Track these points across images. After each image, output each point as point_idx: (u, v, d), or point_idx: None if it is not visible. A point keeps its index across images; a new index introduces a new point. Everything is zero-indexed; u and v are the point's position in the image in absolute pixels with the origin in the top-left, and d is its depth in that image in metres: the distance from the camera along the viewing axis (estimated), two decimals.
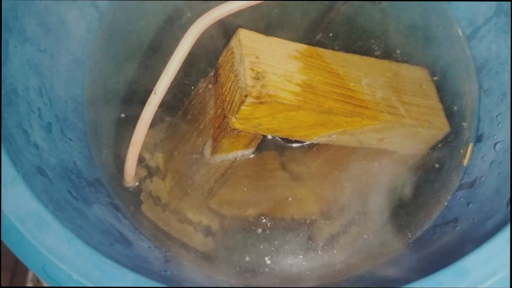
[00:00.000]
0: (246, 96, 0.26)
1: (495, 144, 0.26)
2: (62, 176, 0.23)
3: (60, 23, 0.28)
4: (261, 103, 0.27)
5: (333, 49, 0.31)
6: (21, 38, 0.24)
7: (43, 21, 0.26)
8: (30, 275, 0.42)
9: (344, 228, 0.32)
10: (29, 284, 0.41)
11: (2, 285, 0.38)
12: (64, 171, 0.24)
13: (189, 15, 0.32)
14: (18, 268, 0.42)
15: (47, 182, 0.21)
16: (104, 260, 0.17)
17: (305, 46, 0.30)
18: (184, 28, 0.28)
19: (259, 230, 0.31)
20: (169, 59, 0.28)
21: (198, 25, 0.26)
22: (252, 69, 0.27)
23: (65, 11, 0.28)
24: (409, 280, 0.19)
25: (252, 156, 0.31)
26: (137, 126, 0.26)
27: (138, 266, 0.18)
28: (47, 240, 0.18)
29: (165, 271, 0.23)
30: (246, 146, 0.30)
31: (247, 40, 0.29)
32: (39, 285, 0.41)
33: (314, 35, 0.34)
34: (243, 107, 0.27)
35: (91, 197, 0.25)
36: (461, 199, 0.26)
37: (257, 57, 0.28)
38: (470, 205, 0.25)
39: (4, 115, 0.21)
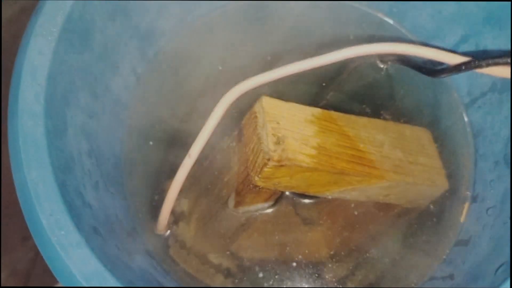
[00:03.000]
0: (268, 159, 0.30)
1: (488, 209, 0.30)
2: (109, 231, 0.27)
3: (106, 90, 0.32)
4: (281, 165, 0.30)
5: (342, 107, 0.35)
6: (76, 109, 0.28)
7: (93, 90, 0.30)
8: None
9: (351, 271, 0.35)
10: None
11: None
12: (111, 226, 0.27)
13: (222, 79, 0.36)
14: None
15: (101, 241, 0.24)
16: None
17: (319, 110, 0.34)
18: (218, 90, 0.32)
19: (274, 271, 0.34)
20: (199, 121, 0.32)
21: (231, 95, 0.30)
22: (274, 135, 0.31)
23: (111, 79, 0.32)
24: None
25: (268, 208, 0.35)
26: (172, 185, 0.30)
27: None
28: None
29: None
30: (266, 200, 0.34)
31: (269, 107, 0.32)
32: None
33: (326, 93, 0.37)
34: (265, 169, 0.30)
35: (132, 247, 0.29)
36: (457, 256, 0.30)
37: (278, 123, 0.32)
38: (465, 263, 0.28)
39: (66, 183, 0.24)
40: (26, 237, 0.53)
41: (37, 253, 0.56)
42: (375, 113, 0.36)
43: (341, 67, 0.36)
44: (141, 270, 0.27)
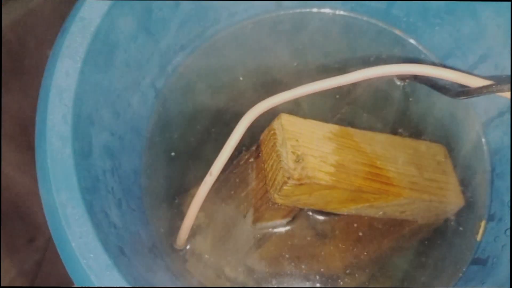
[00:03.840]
0: (289, 178, 0.30)
1: (506, 230, 0.30)
2: (133, 250, 0.27)
3: (127, 107, 0.32)
4: (301, 184, 0.30)
5: (357, 121, 0.35)
6: (100, 127, 0.28)
7: (115, 108, 0.30)
8: None
9: (365, 285, 0.36)
10: None
11: None
12: (134, 244, 0.28)
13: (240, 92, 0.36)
14: None
15: (127, 261, 0.25)
16: None
17: (337, 127, 0.34)
18: (236, 104, 0.32)
19: (289, 285, 0.34)
20: (218, 136, 0.32)
21: (251, 114, 0.30)
22: (293, 153, 0.31)
23: (132, 96, 0.32)
24: None
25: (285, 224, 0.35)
26: (193, 202, 0.30)
27: None
28: None
29: None
30: (284, 216, 0.34)
31: (289, 125, 0.33)
32: None
33: (341, 107, 0.38)
34: (285, 187, 0.30)
35: (154, 264, 0.29)
36: (476, 275, 0.30)
37: (297, 140, 0.32)
38: (484, 283, 0.28)
39: (93, 203, 0.25)
40: (32, 239, 0.54)
41: (43, 255, 0.56)
42: (391, 129, 0.36)
43: (357, 82, 0.36)
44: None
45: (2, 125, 0.57)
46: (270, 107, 0.31)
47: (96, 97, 0.28)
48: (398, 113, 0.36)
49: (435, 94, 0.35)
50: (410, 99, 0.36)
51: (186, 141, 0.36)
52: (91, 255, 0.22)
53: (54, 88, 0.25)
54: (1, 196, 0.54)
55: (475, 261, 0.31)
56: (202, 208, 0.36)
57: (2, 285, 0.51)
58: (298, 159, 0.31)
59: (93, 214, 0.24)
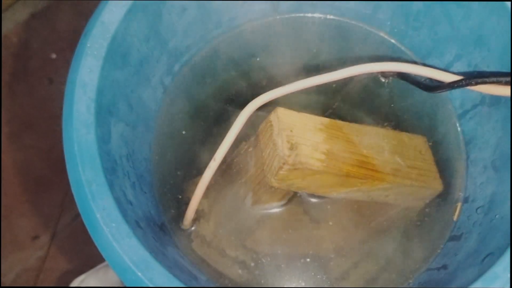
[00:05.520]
0: (284, 163, 0.34)
1: (477, 208, 0.34)
2: (147, 225, 0.31)
3: (139, 101, 0.36)
4: (295, 169, 0.34)
5: (347, 116, 0.39)
6: (117, 118, 0.32)
7: (129, 101, 0.34)
8: None
9: (354, 264, 0.39)
10: None
11: None
12: (147, 221, 0.31)
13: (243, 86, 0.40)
14: None
15: (143, 233, 0.29)
16: None
17: (327, 120, 0.38)
18: (237, 97, 0.35)
19: (284, 264, 0.38)
20: (222, 127, 0.36)
21: (251, 106, 0.34)
22: (288, 141, 0.35)
23: (143, 91, 0.36)
24: None
25: (281, 207, 0.39)
26: (198, 185, 0.34)
27: None
28: (154, 278, 0.25)
29: None
30: (280, 199, 0.38)
31: (284, 117, 0.36)
32: None
33: (332, 103, 0.41)
34: (281, 172, 0.34)
35: (164, 240, 0.33)
36: (451, 250, 0.34)
37: (291, 131, 0.36)
38: (457, 255, 0.32)
39: (113, 182, 0.28)
40: (36, 236, 0.56)
41: (47, 252, 0.59)
42: (377, 122, 0.40)
43: (346, 80, 0.40)
44: (174, 259, 0.31)
45: (5, 125, 0.60)
46: (268, 100, 0.35)
47: (114, 91, 0.32)
48: (383, 108, 0.40)
49: (415, 90, 0.39)
50: (394, 95, 0.40)
51: (191, 132, 0.39)
52: (113, 224, 0.26)
53: (79, 83, 0.29)
54: (1, 193, 0.57)
55: (451, 238, 0.35)
56: (206, 195, 0.40)
57: (7, 281, 0.53)
58: (292, 147, 0.35)
59: (113, 191, 0.28)
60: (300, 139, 0.35)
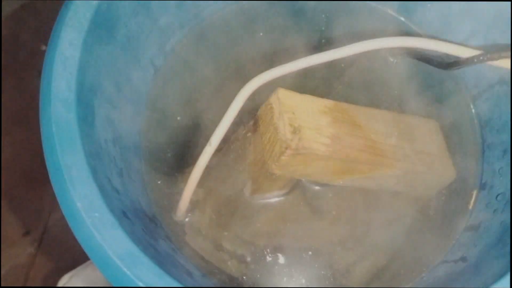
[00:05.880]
0: (286, 148, 0.31)
1: (497, 195, 0.31)
2: (136, 216, 0.28)
3: (127, 82, 0.33)
4: (298, 154, 0.31)
5: (352, 98, 0.36)
6: (102, 99, 0.29)
7: (117, 81, 0.31)
8: None
9: (360, 257, 0.36)
10: None
11: None
12: (135, 211, 0.29)
13: (236, 76, 0.37)
14: None
15: (130, 223, 0.26)
16: None
17: (332, 102, 0.35)
18: (233, 82, 0.33)
19: (285, 258, 0.35)
20: (215, 113, 0.33)
21: (249, 86, 0.31)
22: (290, 125, 0.32)
23: (132, 71, 0.33)
24: None
25: (282, 196, 0.36)
26: (193, 171, 0.31)
27: None
28: (141, 274, 0.22)
29: None
30: (281, 188, 0.35)
31: (285, 98, 0.33)
32: None
33: (337, 85, 0.39)
34: (283, 157, 0.31)
35: (155, 232, 0.30)
36: (469, 240, 0.31)
37: (293, 113, 0.33)
38: (477, 246, 0.29)
39: (96, 168, 0.26)
40: (26, 232, 0.54)
41: (37, 248, 0.57)
42: (385, 105, 0.37)
43: (351, 60, 0.37)
44: (166, 253, 0.28)
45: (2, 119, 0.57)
46: (268, 80, 0.32)
47: (98, 68, 0.29)
48: (391, 90, 0.37)
49: (427, 70, 0.36)
50: (402, 76, 0.37)
51: (184, 117, 0.36)
52: (96, 214, 0.23)
53: (58, 57, 0.26)
54: None
55: (468, 228, 0.32)
56: (201, 184, 0.37)
57: None
58: (294, 131, 0.32)
59: (97, 177, 0.25)
60: (303, 122, 0.33)
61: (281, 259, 0.35)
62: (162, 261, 0.25)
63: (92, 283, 0.42)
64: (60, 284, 0.45)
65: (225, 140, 0.37)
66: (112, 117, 0.30)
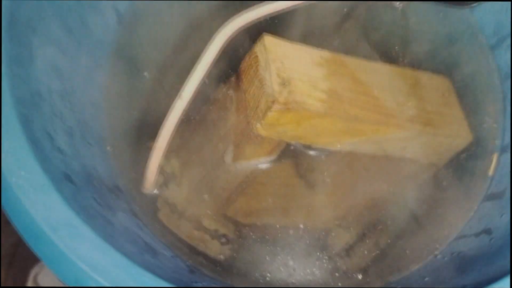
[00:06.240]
0: (273, 102, 0.26)
1: None
2: (86, 182, 0.22)
3: (81, 25, 0.27)
4: (287, 109, 0.26)
5: (353, 50, 0.31)
6: (45, 39, 0.24)
7: (66, 22, 0.26)
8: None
9: (360, 237, 0.31)
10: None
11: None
12: (87, 177, 0.23)
13: (211, 23, 0.31)
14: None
15: (74, 189, 0.20)
16: (141, 271, 0.16)
17: (328, 53, 0.30)
18: (205, 37, 0.28)
19: (275, 239, 0.30)
20: (190, 65, 0.27)
21: (227, 28, 0.25)
22: (278, 75, 0.27)
23: (87, 13, 0.27)
24: None
25: (269, 164, 0.31)
26: (161, 131, 0.26)
27: (171, 277, 0.17)
28: (81, 250, 0.17)
29: (196, 282, 0.22)
30: (268, 153, 0.30)
31: (272, 46, 0.28)
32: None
33: (335, 36, 0.33)
34: (269, 113, 0.26)
35: (114, 204, 0.24)
36: (492, 210, 0.26)
37: (282, 63, 0.28)
38: (503, 216, 0.25)
39: (29, 118, 0.20)
40: (8, 221, 0.50)
41: (19, 239, 0.53)
42: (389, 58, 0.32)
43: (353, 6, 0.32)
44: (125, 228, 0.23)
45: None
46: (252, 19, 0.27)
47: (40, 2, 0.23)
48: (396, 40, 0.32)
49: (437, 17, 0.31)
50: (410, 24, 0.32)
51: (154, 72, 0.31)
52: (22, 172, 0.18)
53: None
54: None
55: (490, 197, 0.27)
56: (176, 154, 0.32)
57: None
58: (283, 82, 0.27)
59: (29, 129, 0.19)
60: (294, 73, 0.28)
61: (269, 240, 0.30)
62: (114, 236, 0.19)
63: None
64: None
65: (204, 101, 0.31)
66: (60, 65, 0.25)
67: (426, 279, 0.27)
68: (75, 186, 0.21)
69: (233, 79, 0.30)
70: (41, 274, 0.42)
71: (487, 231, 0.25)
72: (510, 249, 0.22)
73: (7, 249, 0.50)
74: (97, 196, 0.23)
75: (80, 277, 0.16)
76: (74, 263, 0.17)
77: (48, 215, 0.17)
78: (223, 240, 0.30)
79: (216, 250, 0.30)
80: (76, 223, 0.17)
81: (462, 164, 0.30)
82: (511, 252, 0.21)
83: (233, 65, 0.31)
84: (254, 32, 0.29)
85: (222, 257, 0.30)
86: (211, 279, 0.26)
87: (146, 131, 0.30)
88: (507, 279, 0.18)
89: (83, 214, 0.18)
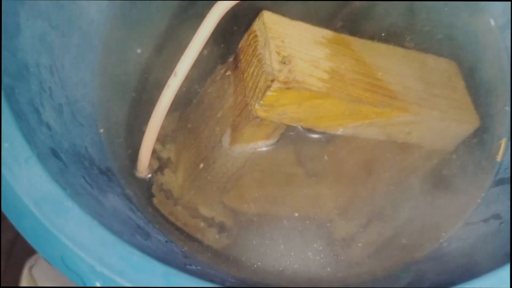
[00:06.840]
0: (272, 80, 0.25)
1: None
2: (75, 161, 0.21)
3: (73, 2, 0.26)
4: (288, 88, 0.25)
5: (356, 31, 0.30)
6: (33, 11, 0.22)
7: None
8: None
9: (363, 227, 0.30)
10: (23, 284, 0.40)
11: None
12: (77, 156, 0.22)
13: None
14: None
15: (61, 165, 0.19)
16: (131, 250, 0.15)
17: (330, 32, 0.29)
18: (201, 12, 0.27)
19: (275, 228, 0.29)
20: (183, 44, 0.26)
21: (223, 4, 0.24)
22: (278, 53, 0.26)
23: None
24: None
25: (268, 149, 0.30)
26: (155, 111, 0.25)
27: (162, 259, 0.16)
28: (67, 226, 0.16)
29: (190, 265, 0.21)
30: (268, 137, 0.28)
31: (272, 23, 0.27)
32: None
33: (338, 17, 0.32)
34: (268, 93, 0.25)
35: (105, 185, 0.23)
36: (501, 195, 0.25)
37: (282, 41, 0.26)
38: None
39: (15, 90, 0.19)
40: (4, 217, 0.49)
41: (17, 233, 0.52)
42: (394, 40, 0.31)
43: None
44: (116, 209, 0.22)
45: None
46: None
47: None
48: (402, 22, 0.31)
49: None
50: (416, 5, 0.31)
51: (149, 51, 0.30)
52: (6, 144, 0.17)
53: None
54: None
55: (498, 182, 0.26)
56: (172, 139, 0.31)
57: None
58: (284, 61, 0.26)
59: (14, 101, 0.18)
60: (295, 51, 0.26)
61: (268, 228, 0.29)
62: (103, 215, 0.18)
63: None
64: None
65: (201, 82, 0.30)
66: (49, 39, 0.24)
67: (432, 267, 0.26)
68: (63, 163, 0.20)
69: (231, 60, 0.29)
70: (36, 266, 0.41)
71: (496, 216, 0.23)
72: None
73: (5, 245, 0.49)
74: (87, 176, 0.21)
75: (66, 256, 0.15)
76: (59, 241, 0.15)
77: (31, 189, 0.16)
78: (220, 228, 0.29)
79: (213, 237, 0.29)
80: (62, 199, 0.16)
81: (469, 150, 0.29)
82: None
83: (232, 47, 0.29)
84: (253, 12, 0.28)
85: (218, 245, 0.28)
86: (206, 265, 0.25)
87: (141, 114, 0.29)
88: None
89: (70, 191, 0.17)
